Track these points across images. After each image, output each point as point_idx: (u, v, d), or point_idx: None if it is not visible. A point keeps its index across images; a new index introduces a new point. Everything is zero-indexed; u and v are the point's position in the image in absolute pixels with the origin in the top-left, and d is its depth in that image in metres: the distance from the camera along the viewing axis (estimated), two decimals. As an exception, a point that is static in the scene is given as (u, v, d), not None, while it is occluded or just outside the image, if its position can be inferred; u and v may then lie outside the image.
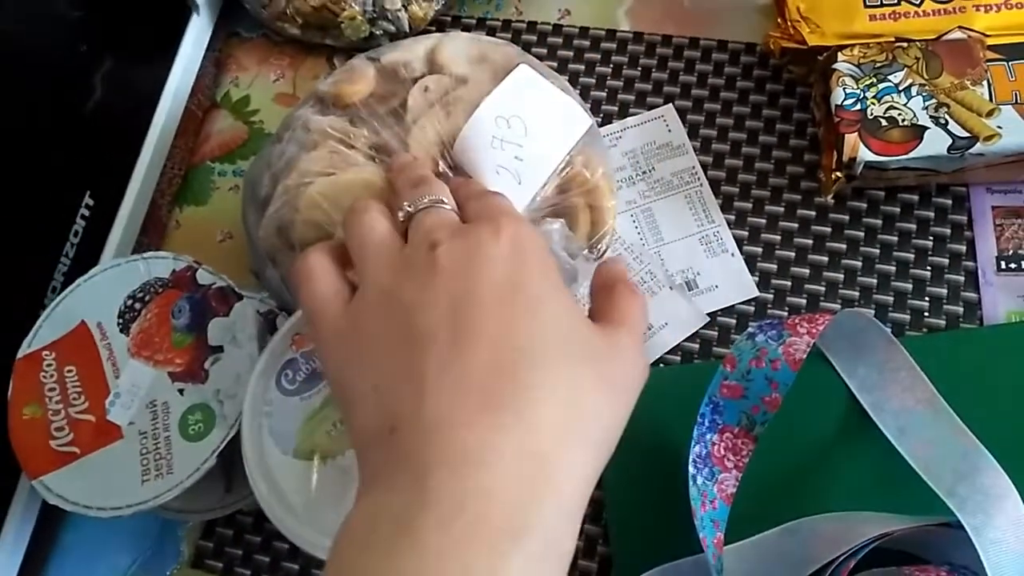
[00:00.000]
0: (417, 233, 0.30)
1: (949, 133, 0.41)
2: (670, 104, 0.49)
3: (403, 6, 0.51)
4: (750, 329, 0.40)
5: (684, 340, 0.45)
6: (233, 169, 0.52)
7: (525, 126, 0.40)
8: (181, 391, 0.35)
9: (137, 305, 0.36)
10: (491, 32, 0.53)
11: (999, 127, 0.41)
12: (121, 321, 0.36)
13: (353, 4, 0.50)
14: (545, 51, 0.52)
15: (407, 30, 0.52)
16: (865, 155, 0.42)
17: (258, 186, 0.42)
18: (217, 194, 0.52)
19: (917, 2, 0.45)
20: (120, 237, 0.49)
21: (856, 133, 0.42)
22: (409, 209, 0.32)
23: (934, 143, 0.41)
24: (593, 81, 0.51)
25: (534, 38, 0.52)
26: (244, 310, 0.36)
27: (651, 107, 0.50)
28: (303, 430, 0.32)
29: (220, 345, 0.35)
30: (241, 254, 0.47)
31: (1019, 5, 0.44)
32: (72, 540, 0.45)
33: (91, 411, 0.35)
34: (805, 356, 0.38)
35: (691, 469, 0.39)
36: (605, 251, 0.43)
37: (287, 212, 0.40)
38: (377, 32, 0.52)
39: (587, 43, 0.52)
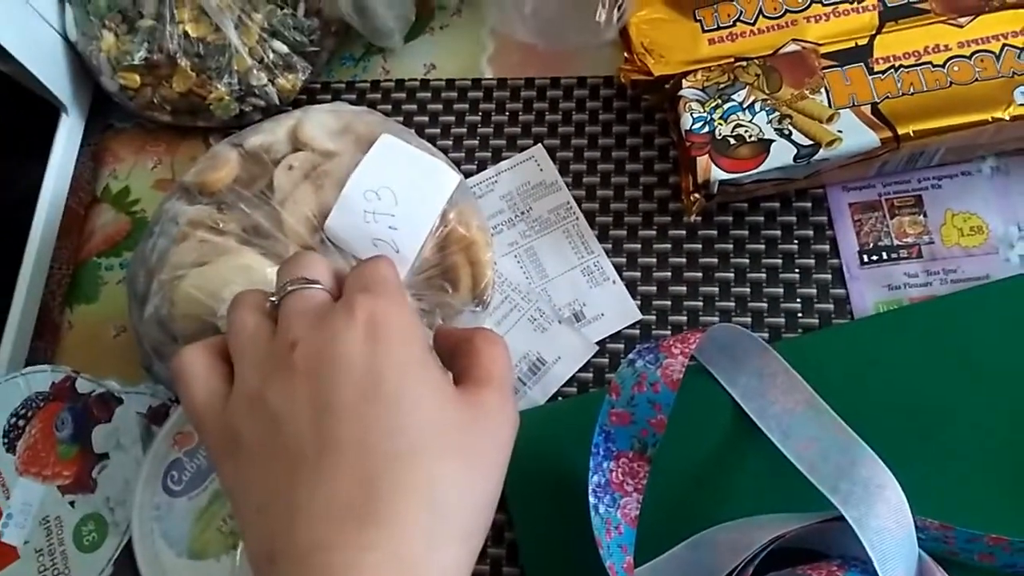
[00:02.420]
0: (280, 326, 0.30)
1: (793, 143, 0.44)
2: (539, 144, 0.51)
3: (269, 81, 0.52)
4: (630, 356, 0.41)
5: (578, 371, 0.46)
6: (119, 262, 0.52)
7: (395, 195, 0.42)
8: (72, 503, 0.35)
9: (21, 422, 0.36)
10: (361, 94, 0.54)
11: (839, 131, 0.43)
12: (7, 440, 0.36)
13: (219, 86, 0.51)
14: (415, 106, 0.53)
15: (276, 103, 0.52)
16: (718, 175, 0.44)
17: (136, 283, 0.43)
18: (106, 289, 0.52)
19: (751, 21, 0.47)
20: (13, 344, 0.49)
21: (707, 155, 0.44)
22: (274, 299, 0.32)
23: (781, 155, 0.44)
24: (464, 130, 0.52)
25: (403, 95, 0.54)
26: (125, 414, 0.36)
27: (522, 149, 0.51)
28: (194, 530, 0.33)
29: (106, 452, 0.36)
30: (136, 347, 0.47)
31: (846, 12, 0.47)
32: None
33: (-16, 536, 0.35)
34: (682, 375, 0.40)
35: (591, 499, 0.40)
36: (489, 302, 0.44)
37: (165, 307, 0.40)
38: (247, 108, 0.52)
39: (454, 94, 0.53)
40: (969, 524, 0.38)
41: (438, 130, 0.52)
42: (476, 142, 0.52)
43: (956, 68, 0.44)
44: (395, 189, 0.41)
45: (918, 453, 0.40)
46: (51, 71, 0.51)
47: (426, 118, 0.53)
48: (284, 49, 0.52)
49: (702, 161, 0.44)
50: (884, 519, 0.37)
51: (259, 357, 0.30)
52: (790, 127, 0.44)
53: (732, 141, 0.44)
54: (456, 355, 0.33)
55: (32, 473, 0.36)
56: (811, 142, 0.43)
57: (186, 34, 0.50)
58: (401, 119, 0.52)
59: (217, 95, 0.51)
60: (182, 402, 0.30)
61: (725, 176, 0.44)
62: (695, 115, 0.45)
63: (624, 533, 0.41)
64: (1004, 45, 0.44)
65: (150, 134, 0.55)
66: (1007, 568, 0.39)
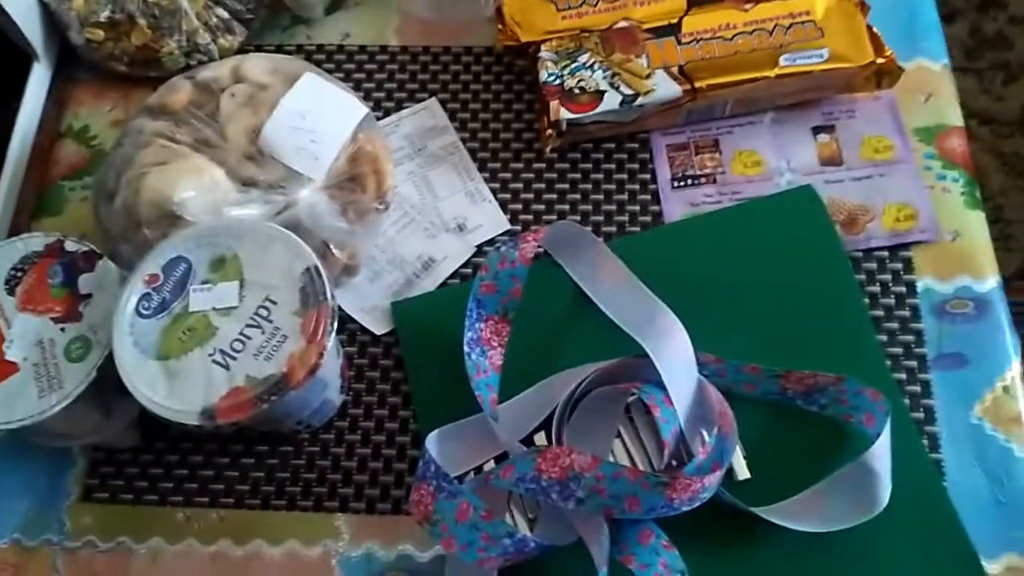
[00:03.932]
0: None
1: (621, 93, 0.58)
2: (433, 97, 0.64)
3: (212, 40, 0.64)
4: (496, 244, 0.54)
5: (460, 268, 0.59)
6: (81, 185, 0.62)
7: (316, 116, 0.54)
8: (63, 329, 0.45)
9: (19, 273, 0.47)
10: (287, 55, 0.66)
11: (654, 85, 0.58)
12: (7, 286, 0.46)
13: (170, 42, 0.63)
14: (333, 66, 0.66)
15: (217, 59, 0.64)
16: (565, 115, 0.58)
17: (105, 183, 0.53)
18: (69, 206, 0.62)
19: (594, 3, 0.61)
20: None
21: (557, 100, 0.58)
22: None
23: (611, 101, 0.58)
24: (373, 85, 0.65)
25: (323, 57, 0.66)
26: (107, 264, 0.47)
27: (419, 100, 0.64)
28: (160, 339, 0.44)
29: (90, 292, 0.46)
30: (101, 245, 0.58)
31: (662, -1, 0.62)
32: (-29, 492, 0.54)
33: (-10, 356, 0.45)
34: (533, 255, 0.53)
35: (466, 349, 0.52)
36: (390, 203, 0.56)
37: (131, 196, 0.51)
38: (192, 63, 0.64)
39: (365, 58, 0.66)
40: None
41: (351, 84, 0.64)
42: (383, 95, 0.65)
43: (740, 41, 0.59)
44: (316, 112, 0.53)
45: (704, 311, 0.54)
46: (29, 24, 0.61)
47: (342, 75, 0.65)
48: (225, 15, 0.64)
49: (554, 105, 0.58)
50: (673, 351, 0.51)
51: None
52: (619, 81, 0.58)
53: (576, 91, 0.58)
54: None
55: (29, 309, 0.46)
56: (633, 92, 0.58)
57: (144, -2, 0.62)
58: (321, 75, 0.64)
59: (168, 49, 0.63)
60: None
61: (571, 116, 0.58)
62: (549, 71, 0.59)
63: (490, 376, 0.53)
64: (776, 24, 0.59)
65: (107, 83, 0.66)
66: (766, 395, 0.53)
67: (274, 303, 0.44)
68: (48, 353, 0.45)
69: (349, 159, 0.54)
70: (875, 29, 0.59)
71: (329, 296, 0.45)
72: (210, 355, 0.43)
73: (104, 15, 0.62)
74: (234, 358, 0.43)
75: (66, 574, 0.52)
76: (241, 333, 0.44)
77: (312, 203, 0.52)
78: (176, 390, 0.43)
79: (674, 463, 0.50)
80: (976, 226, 0.58)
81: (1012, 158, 1.43)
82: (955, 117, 0.61)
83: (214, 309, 0.44)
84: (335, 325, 0.45)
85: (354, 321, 0.57)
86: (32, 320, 0.46)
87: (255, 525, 0.53)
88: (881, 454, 0.48)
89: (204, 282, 0.45)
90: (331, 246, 0.53)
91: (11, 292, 0.46)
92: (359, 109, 0.55)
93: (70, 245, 0.48)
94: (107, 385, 0.47)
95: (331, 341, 0.44)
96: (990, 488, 0.52)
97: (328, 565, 0.52)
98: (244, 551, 0.52)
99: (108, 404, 0.49)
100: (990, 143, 1.45)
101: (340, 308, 0.56)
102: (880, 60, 0.58)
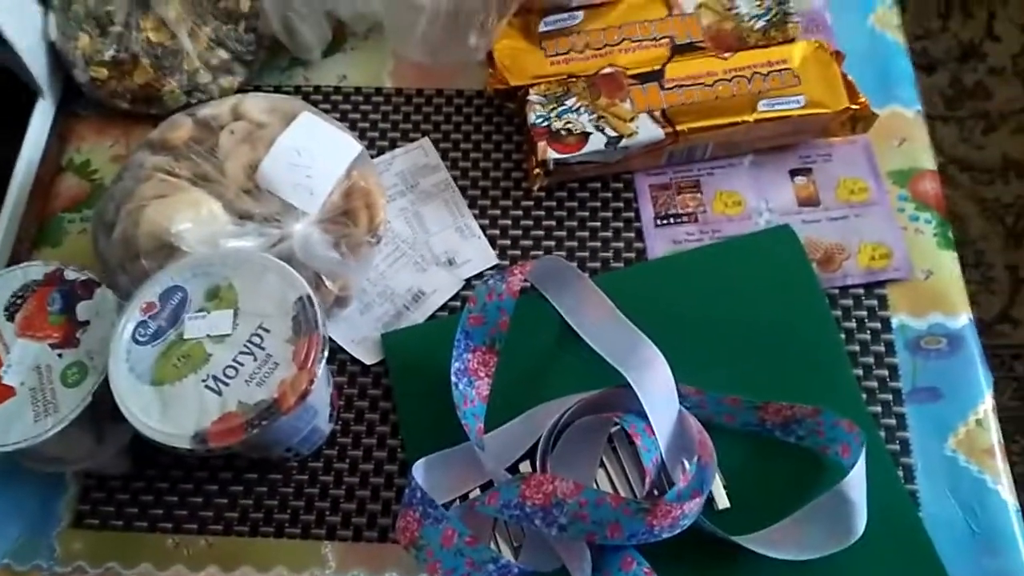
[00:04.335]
0: None
1: (606, 135, 0.60)
2: (426, 137, 0.66)
3: (212, 80, 0.66)
4: (484, 277, 0.56)
5: (449, 300, 0.60)
6: (80, 217, 0.64)
7: (311, 153, 0.56)
8: (60, 355, 0.47)
9: (19, 300, 0.48)
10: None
11: (637, 127, 0.61)
12: (7, 313, 0.48)
13: (172, 81, 0.65)
14: (329, 107, 0.68)
15: (217, 98, 0.66)
16: (552, 155, 0.60)
17: (105, 215, 0.55)
18: (68, 238, 0.64)
19: (581, 50, 0.64)
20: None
21: (545, 141, 0.60)
22: None
23: (596, 142, 0.60)
24: (368, 125, 0.67)
25: (320, 98, 0.68)
26: (104, 293, 0.49)
27: (412, 140, 0.66)
28: (154, 366, 0.45)
29: (87, 319, 0.48)
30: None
31: (647, 47, 0.64)
32: (-36, 518, 0.54)
33: (-12, 380, 0.46)
34: (519, 288, 0.55)
35: (453, 379, 0.54)
36: (382, 237, 0.58)
37: (130, 228, 0.53)
38: (193, 101, 0.66)
39: (361, 99, 0.68)
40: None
41: (347, 124, 0.67)
42: (377, 134, 0.67)
43: (720, 87, 0.62)
44: (311, 149, 0.55)
45: (685, 345, 0.56)
46: (35, 61, 0.63)
47: (338, 115, 0.67)
48: (226, 56, 0.66)
49: (541, 145, 0.60)
50: (654, 382, 0.52)
51: None
52: (604, 124, 0.61)
53: (563, 132, 0.61)
54: None
55: (28, 335, 0.47)
56: (617, 134, 0.60)
57: (148, 39, 0.64)
58: (318, 114, 0.66)
59: (169, 88, 0.65)
60: None
61: (557, 156, 0.60)
62: (538, 114, 0.62)
63: (477, 406, 0.55)
64: (754, 72, 0.62)
65: (109, 120, 0.68)
66: (745, 427, 0.55)
67: (267, 331, 0.46)
68: (45, 378, 0.46)
69: (343, 194, 0.56)
70: (849, 77, 0.62)
71: (321, 325, 0.46)
72: (203, 381, 0.45)
73: (108, 54, 0.64)
74: (227, 384, 0.45)
75: (54, 600, 0.53)
76: (234, 360, 0.45)
77: (306, 236, 0.53)
78: (169, 415, 0.44)
79: (655, 492, 0.51)
80: (948, 265, 0.60)
81: (992, 204, 1.47)
82: (928, 161, 0.64)
83: (208, 336, 0.46)
84: (326, 353, 0.46)
85: (344, 351, 0.59)
86: (31, 346, 0.47)
87: (243, 552, 0.53)
88: (857, 484, 0.50)
89: (199, 310, 0.47)
90: (323, 278, 0.54)
91: (10, 318, 0.48)
92: (353, 147, 0.58)
93: (69, 274, 0.49)
94: (101, 411, 0.48)
95: (322, 369, 0.46)
96: (964, 518, 0.53)
97: (314, 592, 0.52)
98: (231, 578, 0.53)
99: (101, 430, 0.50)
100: (970, 190, 1.48)
101: (331, 339, 0.58)
102: (854, 106, 0.61)
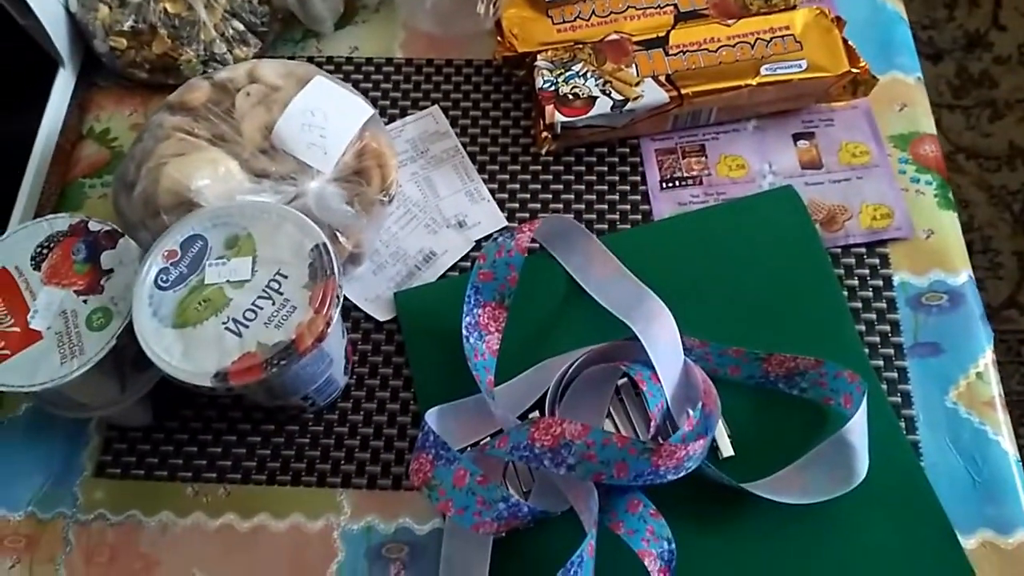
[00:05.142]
0: None
1: (612, 99, 0.62)
2: (436, 105, 0.68)
3: (228, 51, 0.68)
4: (494, 236, 0.58)
5: (459, 260, 0.62)
6: (101, 183, 0.66)
7: (325, 114, 0.58)
8: (85, 301, 0.48)
9: (44, 251, 0.50)
10: (299, 67, 0.70)
11: (642, 91, 0.62)
12: (34, 262, 0.49)
13: (189, 51, 0.67)
14: (342, 77, 0.70)
15: (233, 68, 0.68)
16: (559, 118, 0.61)
17: (126, 175, 0.57)
18: (89, 202, 0.65)
19: (587, 17, 0.66)
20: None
21: (552, 105, 0.62)
22: None
23: (602, 106, 0.62)
24: (379, 94, 0.69)
25: (332, 68, 0.70)
26: (127, 243, 0.50)
27: (422, 108, 0.68)
28: (177, 309, 0.47)
29: (111, 268, 0.49)
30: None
31: (652, 14, 0.66)
32: (-9, 465, 0.56)
33: (16, 324, 0.47)
34: (528, 244, 0.57)
35: (464, 333, 0.55)
36: (394, 196, 0.60)
37: (151, 185, 0.54)
38: (209, 71, 0.68)
39: (372, 69, 0.70)
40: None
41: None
42: (388, 103, 0.68)
43: (724, 52, 0.63)
44: (325, 110, 0.57)
45: (690, 303, 0.57)
46: (57, 32, 0.65)
47: (350, 85, 0.69)
48: (241, 27, 0.68)
49: (549, 109, 0.62)
50: (660, 333, 0.53)
51: None
52: (610, 88, 0.62)
53: (570, 96, 0.62)
54: None
55: (54, 283, 0.49)
56: (623, 98, 0.62)
57: (165, 10, 0.66)
58: (331, 84, 0.68)
59: (186, 58, 0.67)
60: None
61: (565, 119, 0.61)
62: (545, 79, 0.63)
63: (487, 359, 0.56)
64: (756, 38, 0.63)
65: (127, 91, 0.70)
66: (749, 379, 0.56)
67: (284, 277, 0.47)
68: (71, 323, 0.48)
69: (356, 154, 0.58)
70: (850, 42, 0.63)
71: (336, 271, 0.48)
72: (224, 323, 0.46)
73: (127, 25, 0.66)
74: (246, 326, 0.46)
75: (77, 545, 0.54)
76: (253, 304, 0.47)
77: (320, 191, 0.55)
78: (191, 355, 0.46)
79: (660, 439, 0.53)
80: (949, 225, 0.61)
81: (999, 191, 1.48)
82: (928, 125, 0.65)
83: (228, 282, 0.47)
84: (341, 298, 0.48)
85: (359, 309, 0.60)
86: (56, 292, 0.49)
87: (260, 500, 0.55)
88: (858, 429, 0.51)
89: (219, 258, 0.48)
90: (338, 233, 0.56)
91: (37, 267, 0.49)
92: (365, 109, 0.59)
93: (93, 225, 0.51)
94: (124, 357, 0.50)
95: (337, 313, 0.47)
96: (965, 468, 0.54)
97: (330, 538, 0.54)
98: (250, 524, 0.54)
99: (124, 377, 0.51)
100: (977, 177, 1.49)
101: (346, 297, 0.59)
102: (854, 70, 0.62)
